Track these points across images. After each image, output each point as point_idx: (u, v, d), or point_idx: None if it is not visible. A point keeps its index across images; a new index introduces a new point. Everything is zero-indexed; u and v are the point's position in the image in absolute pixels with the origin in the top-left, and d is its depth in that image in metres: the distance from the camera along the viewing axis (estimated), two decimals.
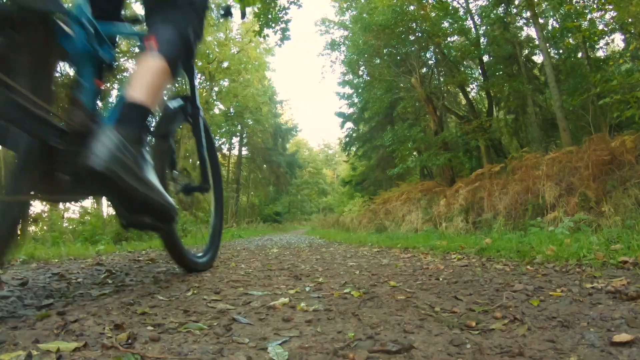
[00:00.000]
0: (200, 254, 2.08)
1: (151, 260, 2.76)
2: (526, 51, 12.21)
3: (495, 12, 10.06)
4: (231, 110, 23.16)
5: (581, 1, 8.28)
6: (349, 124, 20.54)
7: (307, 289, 1.60)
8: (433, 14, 9.72)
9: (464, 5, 10.75)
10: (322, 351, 0.80)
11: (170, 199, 1.21)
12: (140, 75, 1.10)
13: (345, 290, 1.53)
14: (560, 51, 10.48)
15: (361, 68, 12.73)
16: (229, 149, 26.31)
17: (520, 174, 5.80)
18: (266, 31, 8.08)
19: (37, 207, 16.01)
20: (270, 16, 7.85)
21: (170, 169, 1.70)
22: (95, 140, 0.92)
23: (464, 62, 11.60)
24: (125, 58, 18.11)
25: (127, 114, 1.04)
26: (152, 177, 1.11)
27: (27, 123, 0.88)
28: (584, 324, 0.96)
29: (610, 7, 7.07)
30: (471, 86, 13.12)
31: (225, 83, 20.99)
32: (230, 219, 19.38)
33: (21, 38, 0.93)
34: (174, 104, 1.72)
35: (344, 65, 14.38)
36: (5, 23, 0.91)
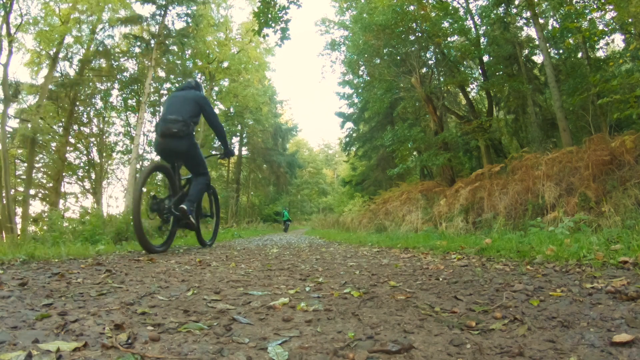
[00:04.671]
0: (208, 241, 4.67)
1: (151, 260, 2.76)
2: (526, 51, 12.21)
3: (495, 12, 10.06)
4: (231, 110, 23.16)
5: (581, 1, 8.27)
6: (349, 124, 20.55)
7: (307, 289, 1.60)
8: (433, 14, 9.71)
9: (464, 5, 10.75)
10: (322, 351, 0.80)
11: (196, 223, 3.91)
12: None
13: (345, 290, 1.53)
14: (560, 51, 10.47)
15: (361, 68, 12.73)
16: None
17: (520, 174, 5.80)
18: (266, 31, 8.07)
19: (37, 207, 15.83)
20: (270, 16, 7.84)
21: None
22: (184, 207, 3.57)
23: (464, 62, 11.59)
24: (126, 57, 18.13)
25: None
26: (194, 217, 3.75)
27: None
28: (584, 324, 0.96)
29: (611, 7, 7.06)
30: (471, 86, 13.12)
31: (226, 83, 21.00)
32: (230, 219, 19.38)
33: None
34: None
35: (344, 65, 14.39)
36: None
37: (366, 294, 1.45)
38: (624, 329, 0.89)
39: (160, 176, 20.78)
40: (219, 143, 4.12)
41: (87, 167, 18.65)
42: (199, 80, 3.50)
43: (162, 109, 3.73)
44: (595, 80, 6.61)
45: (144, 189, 3.49)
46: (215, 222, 4.78)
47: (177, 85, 19.63)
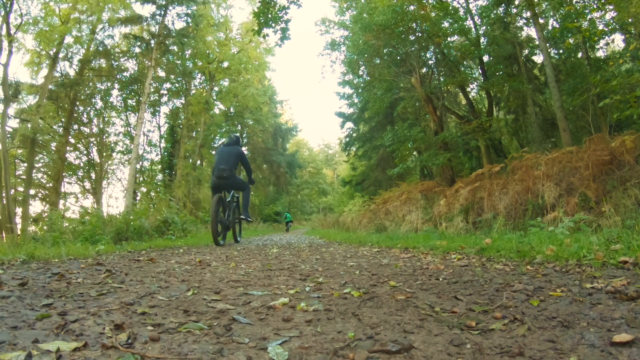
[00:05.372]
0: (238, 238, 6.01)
1: (151, 260, 2.76)
2: (526, 51, 12.20)
3: (495, 12, 10.06)
4: (231, 110, 23.15)
5: (581, 1, 8.28)
6: (349, 124, 20.55)
7: (307, 289, 1.60)
8: (433, 14, 9.71)
9: (464, 5, 10.75)
10: (322, 351, 0.80)
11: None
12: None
13: (345, 290, 1.53)
14: (560, 51, 10.47)
15: (361, 68, 12.74)
16: None
17: (520, 174, 5.80)
18: (266, 31, 8.07)
19: (37, 207, 15.82)
20: (270, 16, 7.84)
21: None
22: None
23: (464, 62, 11.59)
24: (126, 57, 18.13)
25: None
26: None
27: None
28: (584, 324, 0.96)
29: (611, 7, 7.07)
30: (471, 86, 13.11)
31: (226, 83, 20.99)
32: None
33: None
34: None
35: (344, 65, 14.39)
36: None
37: (366, 294, 1.45)
38: (624, 329, 0.89)
39: (160, 176, 20.81)
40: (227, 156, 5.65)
41: (87, 167, 18.65)
42: (238, 135, 5.29)
43: (215, 158, 5.75)
44: (596, 81, 6.61)
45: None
46: (239, 224, 6.48)
47: (176, 85, 19.68)
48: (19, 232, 11.00)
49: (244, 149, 27.67)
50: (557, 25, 9.61)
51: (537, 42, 9.91)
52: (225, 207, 5.45)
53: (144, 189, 19.33)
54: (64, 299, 1.26)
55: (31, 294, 1.34)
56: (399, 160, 11.10)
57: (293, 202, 39.47)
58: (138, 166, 17.96)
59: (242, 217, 5.65)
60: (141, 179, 19.75)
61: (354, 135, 20.54)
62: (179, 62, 18.06)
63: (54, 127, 16.62)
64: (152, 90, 17.40)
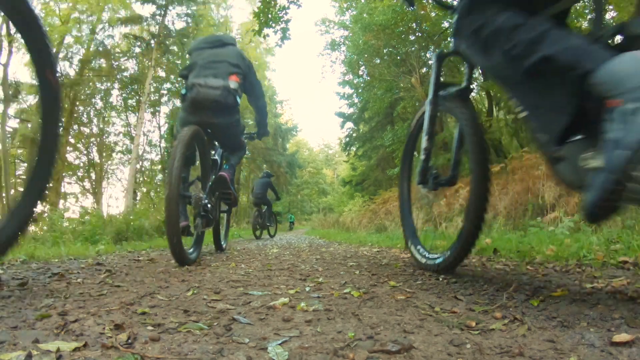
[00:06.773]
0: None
1: (151, 260, 2.76)
2: None
3: None
4: None
5: (581, 1, 8.28)
6: (349, 124, 20.52)
7: (307, 289, 1.60)
8: (433, 14, 9.72)
9: None
10: (322, 351, 0.80)
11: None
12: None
13: (345, 290, 1.53)
14: None
15: (361, 68, 12.75)
16: None
17: (520, 174, 5.80)
18: (266, 31, 8.08)
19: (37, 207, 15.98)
20: (270, 16, 7.84)
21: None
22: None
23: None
24: (126, 57, 18.15)
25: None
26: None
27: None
28: (584, 324, 0.96)
29: (610, 7, 7.07)
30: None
31: None
32: (230, 219, 19.43)
33: None
34: None
35: (344, 65, 14.41)
36: None
37: (366, 294, 1.45)
38: (624, 329, 0.89)
39: (160, 176, 20.81)
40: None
41: (87, 167, 18.66)
42: (269, 172, 8.15)
43: (255, 186, 9.43)
44: None
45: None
46: (274, 226, 9.81)
47: (176, 85, 19.67)
48: None
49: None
50: None
51: None
52: (261, 216, 8.85)
53: (144, 189, 19.34)
54: (64, 299, 1.26)
55: (31, 294, 1.34)
56: (399, 160, 11.11)
57: (293, 202, 39.49)
58: (138, 166, 17.97)
59: (266, 223, 9.15)
60: (141, 179, 19.76)
61: (354, 135, 20.52)
62: (179, 62, 18.06)
63: None
64: (152, 90, 17.40)
